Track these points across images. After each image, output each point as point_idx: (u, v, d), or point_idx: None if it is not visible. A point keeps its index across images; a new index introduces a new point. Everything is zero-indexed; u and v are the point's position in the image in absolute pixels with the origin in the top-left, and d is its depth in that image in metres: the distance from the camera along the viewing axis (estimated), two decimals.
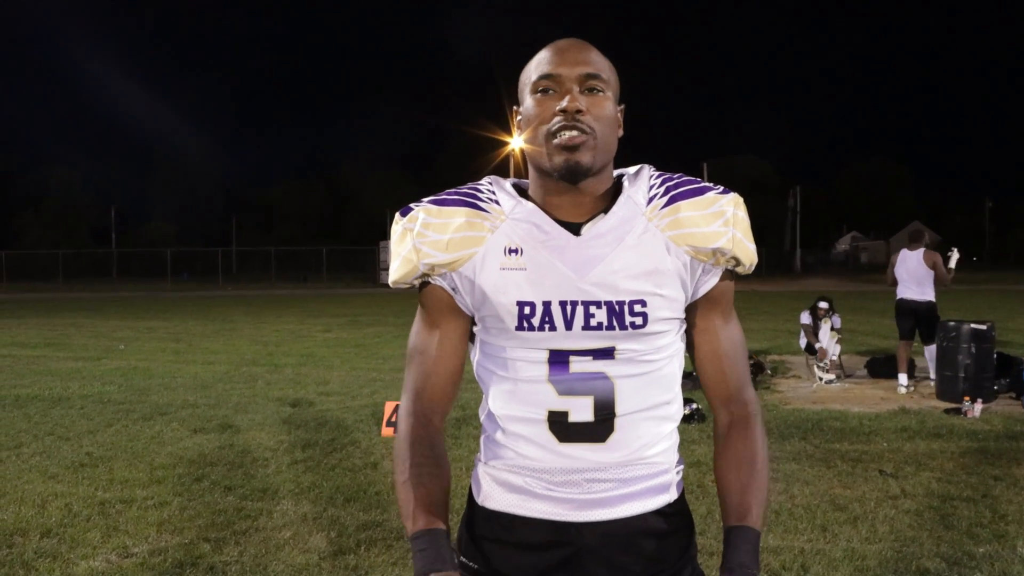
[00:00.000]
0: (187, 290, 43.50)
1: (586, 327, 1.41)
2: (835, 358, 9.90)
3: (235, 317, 22.08)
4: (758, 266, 1.56)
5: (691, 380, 7.50)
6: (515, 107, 1.51)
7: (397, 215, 1.49)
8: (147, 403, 8.56)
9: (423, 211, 1.46)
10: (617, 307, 1.40)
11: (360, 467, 5.82)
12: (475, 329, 1.53)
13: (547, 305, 1.41)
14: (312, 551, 4.21)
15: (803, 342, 10.33)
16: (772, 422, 7.22)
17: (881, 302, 25.77)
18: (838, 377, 9.67)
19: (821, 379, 9.47)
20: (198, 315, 23.16)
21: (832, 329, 10.02)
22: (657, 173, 1.50)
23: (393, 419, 6.81)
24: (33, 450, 6.45)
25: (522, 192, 1.51)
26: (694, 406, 7.28)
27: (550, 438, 1.44)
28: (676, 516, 1.50)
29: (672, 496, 1.50)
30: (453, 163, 75.74)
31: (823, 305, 10.24)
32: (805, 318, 10.26)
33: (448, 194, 1.49)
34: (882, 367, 10.06)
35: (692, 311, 1.51)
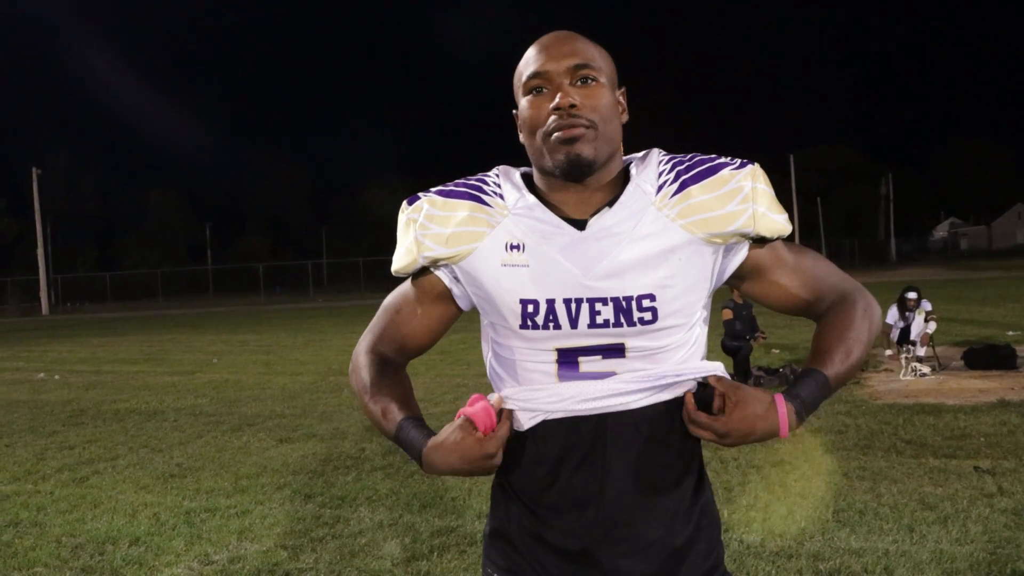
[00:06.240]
0: (279, 303, 44.74)
1: (592, 325, 1.36)
2: (930, 346, 9.53)
3: (324, 328, 22.58)
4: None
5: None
6: (514, 111, 1.48)
7: (404, 203, 1.48)
8: (236, 414, 8.82)
9: (428, 202, 1.45)
10: (624, 303, 1.35)
11: None
12: (485, 326, 1.51)
13: (551, 303, 1.36)
14: (386, 557, 4.25)
15: (894, 335, 9.96)
16: (861, 417, 6.98)
17: (982, 290, 24.68)
18: (933, 369, 9.28)
19: (916, 369, 9.11)
20: (289, 327, 23.78)
21: (926, 316, 9.67)
22: (667, 157, 1.43)
23: None
24: (128, 462, 6.72)
25: (532, 183, 1.46)
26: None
27: None
28: (698, 519, 1.45)
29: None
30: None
31: (911, 296, 9.87)
32: (891, 316, 9.91)
33: (456, 185, 1.46)
34: (980, 358, 9.60)
35: (745, 283, 1.47)
